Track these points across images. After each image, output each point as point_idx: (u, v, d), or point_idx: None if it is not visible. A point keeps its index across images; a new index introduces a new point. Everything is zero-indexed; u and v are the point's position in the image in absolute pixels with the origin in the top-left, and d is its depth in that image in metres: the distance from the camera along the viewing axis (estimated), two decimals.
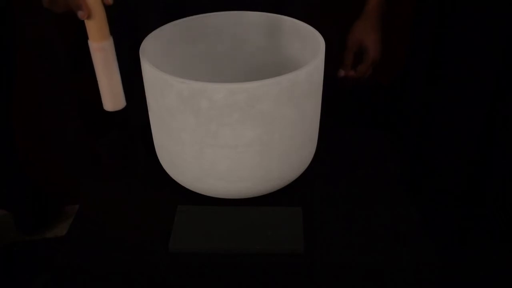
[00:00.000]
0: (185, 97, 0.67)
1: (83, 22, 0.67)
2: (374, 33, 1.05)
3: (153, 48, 0.77)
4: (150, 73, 0.70)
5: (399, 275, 0.71)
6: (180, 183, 0.79)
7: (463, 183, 1.16)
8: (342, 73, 1.08)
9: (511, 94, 1.03)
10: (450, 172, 1.15)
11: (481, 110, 1.07)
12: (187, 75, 0.69)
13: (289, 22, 0.83)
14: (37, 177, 1.47)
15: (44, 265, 1.32)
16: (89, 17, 0.66)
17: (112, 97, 0.71)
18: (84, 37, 0.68)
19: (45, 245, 1.44)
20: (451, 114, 1.10)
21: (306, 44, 0.80)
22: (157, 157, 0.82)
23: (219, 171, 0.73)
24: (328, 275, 0.71)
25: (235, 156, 0.71)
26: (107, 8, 0.68)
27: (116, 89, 0.71)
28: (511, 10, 0.97)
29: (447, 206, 1.19)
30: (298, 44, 0.83)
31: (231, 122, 0.68)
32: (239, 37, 0.88)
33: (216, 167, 0.72)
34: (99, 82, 0.71)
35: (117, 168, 0.87)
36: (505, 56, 1.01)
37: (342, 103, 1.04)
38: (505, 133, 1.07)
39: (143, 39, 0.76)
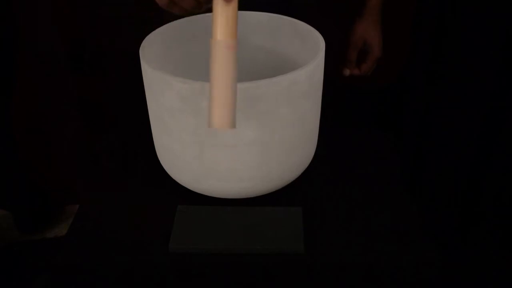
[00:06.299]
0: (185, 97, 0.67)
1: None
2: (377, 30, 1.05)
3: (153, 48, 0.77)
4: (150, 73, 0.70)
5: (399, 275, 0.71)
6: (180, 183, 0.79)
7: (463, 183, 1.16)
8: (347, 72, 1.08)
9: (511, 94, 1.04)
10: (450, 172, 1.15)
11: (481, 110, 1.07)
12: (187, 75, 0.69)
13: (289, 22, 0.83)
14: (37, 177, 1.47)
15: (44, 265, 1.32)
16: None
17: (226, 111, 0.57)
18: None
19: (45, 245, 1.44)
20: (451, 114, 1.10)
21: (306, 44, 0.80)
22: (157, 157, 0.82)
23: (219, 171, 0.73)
24: (328, 275, 0.71)
25: (235, 156, 0.71)
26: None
27: (232, 103, 0.58)
28: (511, 10, 0.97)
29: (447, 206, 1.19)
30: (298, 44, 0.83)
31: None
32: (239, 37, 0.87)
33: (216, 167, 0.72)
34: (213, 90, 0.57)
35: (117, 168, 0.87)
36: (505, 56, 1.01)
37: (342, 103, 1.04)
38: (505, 133, 1.08)
39: (143, 39, 0.76)
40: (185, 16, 0.63)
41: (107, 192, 0.82)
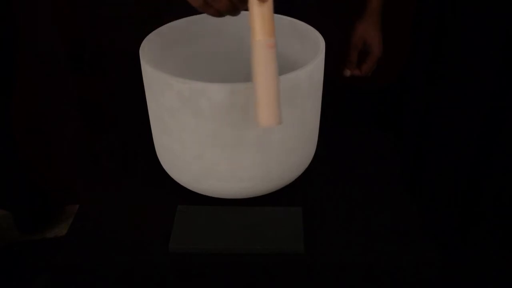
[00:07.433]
0: (185, 97, 0.67)
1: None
2: (377, 31, 1.06)
3: (153, 48, 0.77)
4: (150, 73, 0.70)
5: (399, 275, 0.71)
6: (180, 183, 0.79)
7: (463, 183, 1.16)
8: (348, 73, 1.09)
9: (511, 94, 1.04)
10: (450, 172, 1.15)
11: (481, 110, 1.07)
12: (187, 75, 0.69)
13: (288, 22, 0.83)
14: (37, 177, 1.47)
15: (44, 265, 1.32)
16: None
17: (272, 109, 0.58)
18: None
19: (45, 245, 1.44)
20: (451, 114, 1.10)
21: (306, 44, 0.80)
22: (157, 157, 0.82)
23: (219, 171, 0.73)
24: (328, 275, 0.71)
25: (235, 156, 0.71)
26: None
27: (276, 100, 0.58)
28: (511, 10, 0.97)
29: (447, 206, 1.19)
30: (298, 44, 0.83)
31: (231, 122, 0.68)
32: (239, 37, 0.88)
33: (216, 167, 0.72)
34: (258, 89, 0.58)
35: (117, 168, 0.87)
36: (505, 56, 1.01)
37: (342, 103, 1.04)
38: (505, 133, 1.08)
39: (143, 39, 0.76)
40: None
41: (107, 192, 0.82)
